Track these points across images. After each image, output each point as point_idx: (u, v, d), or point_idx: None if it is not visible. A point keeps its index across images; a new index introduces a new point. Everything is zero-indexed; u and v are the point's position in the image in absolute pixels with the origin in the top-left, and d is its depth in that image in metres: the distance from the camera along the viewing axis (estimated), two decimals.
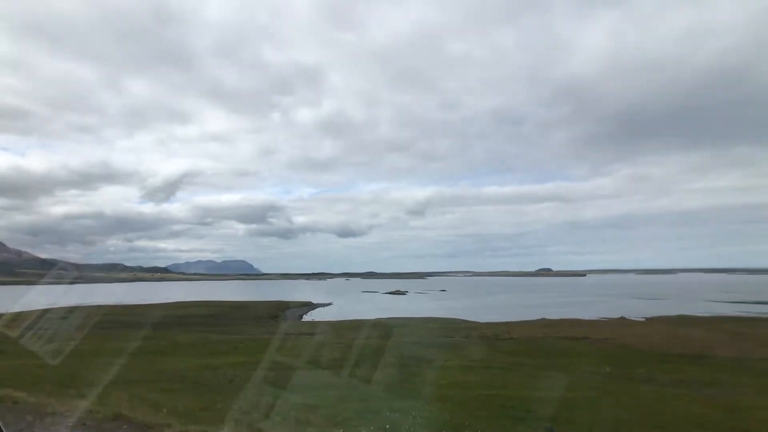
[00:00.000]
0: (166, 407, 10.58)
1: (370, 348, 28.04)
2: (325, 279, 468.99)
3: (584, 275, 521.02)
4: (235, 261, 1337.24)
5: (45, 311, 35.60)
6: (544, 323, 56.11)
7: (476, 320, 66.82)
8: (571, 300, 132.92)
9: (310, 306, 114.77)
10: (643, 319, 74.76)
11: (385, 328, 53.63)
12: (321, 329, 49.45)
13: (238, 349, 29.44)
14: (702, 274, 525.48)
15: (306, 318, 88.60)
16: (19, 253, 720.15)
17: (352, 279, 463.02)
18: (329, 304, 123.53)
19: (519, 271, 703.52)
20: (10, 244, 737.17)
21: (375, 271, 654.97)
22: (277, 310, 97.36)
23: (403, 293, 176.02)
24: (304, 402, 12.50)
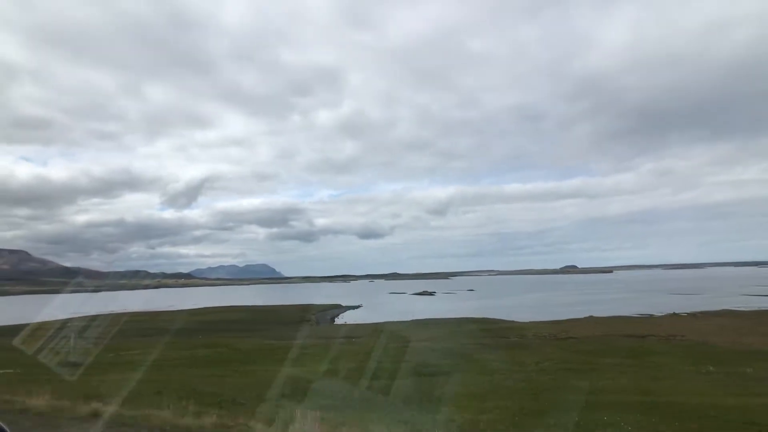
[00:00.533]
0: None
1: (446, 352, 26.41)
2: (348, 281, 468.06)
3: (611, 272, 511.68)
4: (256, 265, 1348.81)
5: (95, 318, 34.78)
6: (594, 321, 53.69)
7: (518, 320, 64.52)
8: (606, 297, 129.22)
9: (339, 308, 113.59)
10: (686, 314, 71.78)
11: (433, 329, 51.89)
12: (363, 332, 47.90)
13: (312, 356, 27.93)
14: (731, 268, 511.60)
15: (338, 321, 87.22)
16: (44, 262, 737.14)
17: (375, 281, 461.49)
18: (358, 306, 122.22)
19: (543, 269, 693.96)
20: (35, 254, 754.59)
21: (398, 272, 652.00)
22: (309, 313, 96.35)
23: (431, 294, 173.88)
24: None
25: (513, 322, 59.64)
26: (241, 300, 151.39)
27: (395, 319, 79.49)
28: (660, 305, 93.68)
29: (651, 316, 64.98)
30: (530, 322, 58.03)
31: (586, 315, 62.89)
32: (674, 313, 66.11)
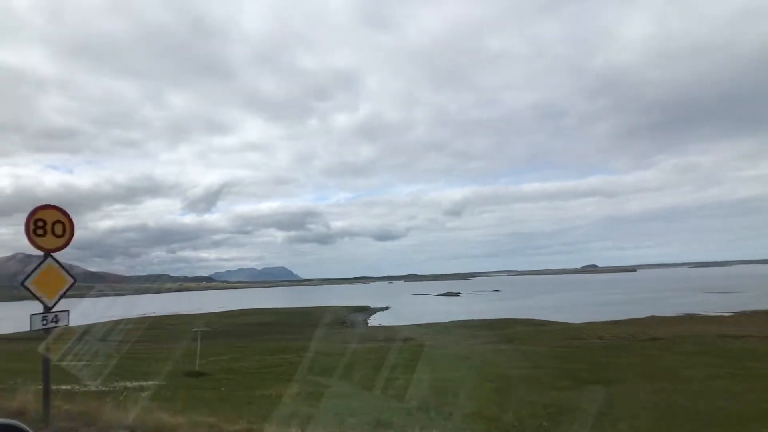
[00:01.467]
0: None
1: (563, 356, 24.21)
2: (368, 283, 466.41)
3: (634, 270, 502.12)
4: (275, 268, 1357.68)
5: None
6: (660, 320, 50.87)
7: (568, 321, 61.70)
8: (644, 296, 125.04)
9: (368, 310, 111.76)
10: (733, 314, 68.42)
11: (484, 331, 49.74)
12: (411, 334, 45.79)
13: (412, 360, 26.00)
14: (761, 266, 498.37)
15: (372, 322, 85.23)
16: (70, 267, 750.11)
17: (395, 282, 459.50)
18: (386, 308, 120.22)
19: (563, 269, 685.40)
20: (62, 259, 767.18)
21: (416, 273, 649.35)
22: (340, 315, 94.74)
23: (456, 295, 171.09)
24: None
25: (566, 323, 56.78)
26: (267, 302, 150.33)
27: (431, 321, 77.31)
28: (705, 304, 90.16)
29: (719, 315, 61.76)
30: (588, 323, 55.14)
31: (634, 314, 60.04)
32: (742, 312, 62.88)
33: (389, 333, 57.94)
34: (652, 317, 55.36)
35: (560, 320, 63.12)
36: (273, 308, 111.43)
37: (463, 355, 24.99)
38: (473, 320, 72.19)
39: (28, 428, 2.97)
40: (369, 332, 61.49)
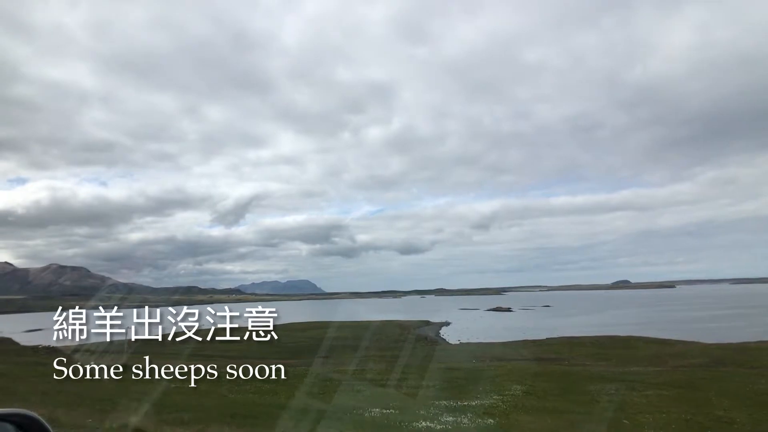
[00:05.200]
0: None
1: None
2: (399, 297, 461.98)
3: (673, 287, 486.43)
4: (298, 281, 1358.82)
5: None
6: None
7: (686, 339, 57.42)
8: (709, 314, 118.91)
9: (431, 325, 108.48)
10: None
11: (606, 349, 46.25)
12: (514, 352, 42.62)
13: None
14: None
15: (452, 340, 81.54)
16: (102, 278, 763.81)
17: (426, 296, 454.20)
18: (447, 322, 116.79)
19: (594, 284, 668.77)
20: (93, 270, 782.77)
21: (444, 287, 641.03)
22: (411, 330, 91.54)
23: (507, 310, 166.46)
24: None
25: (698, 342, 52.61)
26: (311, 316, 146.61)
27: (513, 338, 73.66)
28: None
29: None
30: (697, 343, 51.18)
31: (745, 334, 55.74)
32: None
33: (489, 350, 54.69)
34: None
35: (676, 338, 58.79)
36: (336, 321, 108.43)
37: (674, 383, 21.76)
38: (565, 337, 68.26)
39: (42, 419, 3.08)
40: (467, 349, 58.06)
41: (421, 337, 78.74)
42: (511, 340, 70.89)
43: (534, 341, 64.52)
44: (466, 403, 19.53)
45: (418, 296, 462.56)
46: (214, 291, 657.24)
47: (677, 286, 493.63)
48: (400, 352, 51.15)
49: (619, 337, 60.41)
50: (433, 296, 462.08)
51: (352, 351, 53.63)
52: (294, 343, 66.02)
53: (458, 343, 74.67)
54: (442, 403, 19.49)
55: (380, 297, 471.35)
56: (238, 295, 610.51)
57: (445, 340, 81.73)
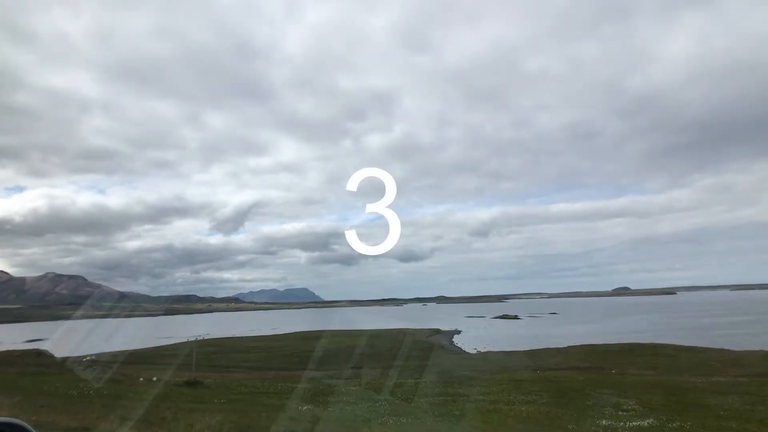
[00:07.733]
0: None
1: None
2: (400, 304, 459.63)
3: (674, 293, 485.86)
4: (296, 289, 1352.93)
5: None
6: None
7: (713, 346, 56.17)
8: (731, 320, 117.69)
9: (442, 333, 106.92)
10: None
11: (633, 356, 45.11)
12: (541, 360, 41.30)
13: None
14: None
15: (468, 349, 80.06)
16: (98, 287, 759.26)
17: (428, 304, 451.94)
18: (458, 331, 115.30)
19: (594, 291, 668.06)
20: (90, 279, 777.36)
21: (444, 295, 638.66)
22: (424, 338, 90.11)
23: (514, 318, 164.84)
24: None
25: (728, 350, 51.33)
26: (315, 324, 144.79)
27: (529, 347, 72.25)
28: None
29: None
30: (755, 351, 49.71)
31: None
32: None
33: (514, 360, 53.46)
34: None
35: (703, 345, 57.57)
36: (343, 330, 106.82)
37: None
38: (587, 345, 66.96)
39: (31, 428, 3.06)
40: (489, 358, 56.72)
41: (441, 346, 77.22)
42: (532, 348, 69.42)
43: (560, 349, 63.19)
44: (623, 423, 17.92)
45: (420, 304, 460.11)
46: (212, 299, 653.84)
47: (678, 293, 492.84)
48: (427, 361, 49.84)
49: (645, 344, 59.14)
50: (434, 304, 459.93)
51: (381, 360, 52.04)
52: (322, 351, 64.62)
53: (476, 351, 73.29)
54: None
55: (381, 305, 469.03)
56: (236, 303, 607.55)
57: (461, 348, 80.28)
